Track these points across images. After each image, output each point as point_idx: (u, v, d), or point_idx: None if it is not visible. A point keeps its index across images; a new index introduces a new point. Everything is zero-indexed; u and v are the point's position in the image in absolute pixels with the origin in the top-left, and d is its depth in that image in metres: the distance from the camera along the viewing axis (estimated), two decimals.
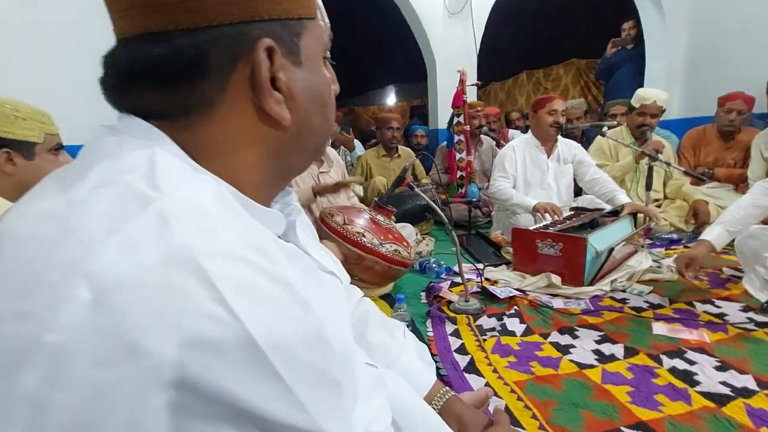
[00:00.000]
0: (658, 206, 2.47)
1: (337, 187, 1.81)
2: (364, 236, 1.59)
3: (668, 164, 2.03)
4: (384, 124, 3.00)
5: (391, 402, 0.59)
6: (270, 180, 0.43)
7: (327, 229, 1.67)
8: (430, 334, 1.41)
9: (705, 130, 2.82)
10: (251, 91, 0.37)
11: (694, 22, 4.05)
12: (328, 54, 0.47)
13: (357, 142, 3.76)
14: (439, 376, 1.15)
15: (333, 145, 3.47)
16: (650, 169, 1.97)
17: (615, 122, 2.51)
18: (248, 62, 0.36)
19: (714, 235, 1.47)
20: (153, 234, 0.26)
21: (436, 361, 1.22)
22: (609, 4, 4.94)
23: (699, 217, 2.25)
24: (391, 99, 14.11)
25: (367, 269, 1.62)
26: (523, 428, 0.93)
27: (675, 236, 2.23)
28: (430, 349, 1.30)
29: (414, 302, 1.70)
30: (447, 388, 0.71)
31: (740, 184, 2.53)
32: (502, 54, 8.22)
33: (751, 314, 1.38)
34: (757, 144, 2.37)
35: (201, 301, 0.24)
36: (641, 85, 4.08)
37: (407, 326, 1.24)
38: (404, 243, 1.69)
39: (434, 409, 0.67)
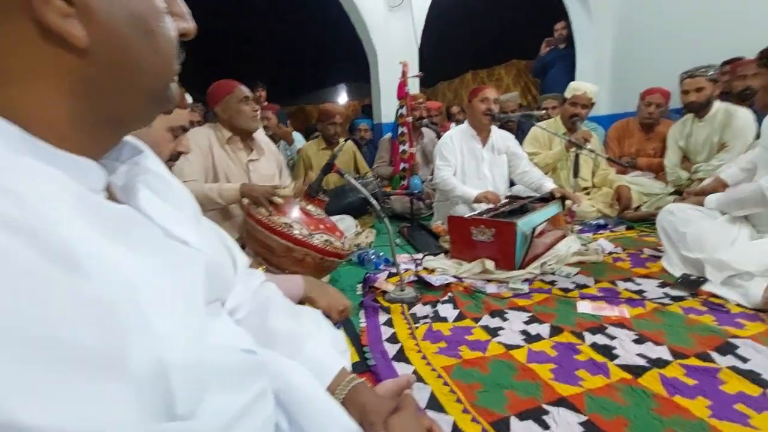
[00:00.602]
0: (587, 194, 2.61)
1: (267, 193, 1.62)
2: (291, 227, 1.50)
3: (593, 152, 2.12)
4: (327, 118, 2.89)
5: (283, 391, 0.54)
6: (82, 123, 0.34)
7: (252, 220, 1.56)
8: (363, 324, 1.35)
9: (628, 123, 3.01)
10: None
11: (620, 23, 4.34)
12: None
13: (297, 135, 3.63)
14: (368, 366, 1.10)
15: (272, 139, 3.32)
16: (577, 157, 2.05)
17: (543, 111, 2.61)
18: None
19: (726, 174, 1.71)
20: None
21: (365, 352, 1.17)
22: (542, 5, 5.18)
23: (622, 201, 2.40)
24: (342, 98, 14.08)
25: (298, 262, 1.53)
26: (447, 413, 0.89)
27: (602, 221, 2.34)
28: (360, 340, 1.24)
29: (351, 294, 1.64)
30: (354, 375, 0.66)
31: (660, 172, 2.71)
32: (449, 55, 8.46)
33: (667, 290, 1.45)
34: (672, 134, 2.54)
35: None
36: None
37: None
38: (337, 233, 1.62)
39: (338, 398, 0.62)
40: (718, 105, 2.30)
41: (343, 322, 1.38)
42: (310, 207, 1.61)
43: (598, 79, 4.45)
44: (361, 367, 1.10)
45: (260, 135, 1.99)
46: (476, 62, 7.88)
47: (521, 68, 7.14)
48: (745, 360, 1.01)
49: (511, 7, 7.70)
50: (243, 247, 1.90)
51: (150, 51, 0.36)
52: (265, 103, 3.56)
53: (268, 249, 1.55)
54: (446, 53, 8.46)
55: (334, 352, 0.70)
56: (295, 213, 1.57)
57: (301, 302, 1.07)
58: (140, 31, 0.34)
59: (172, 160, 1.08)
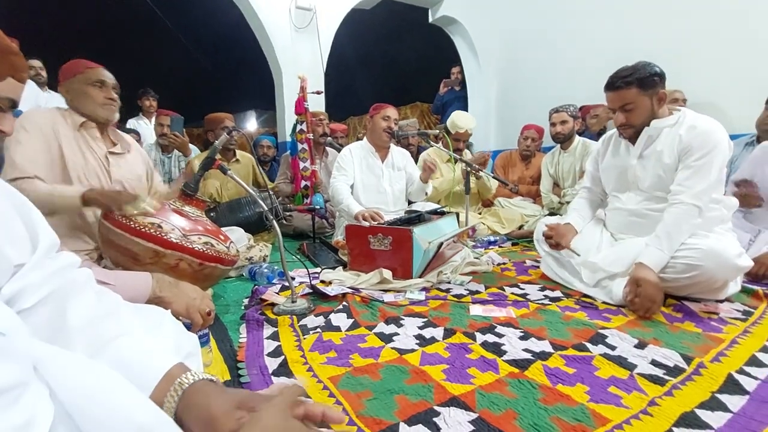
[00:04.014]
0: (479, 213, 2.79)
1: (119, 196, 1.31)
2: (161, 227, 1.26)
3: (480, 170, 2.29)
4: (216, 125, 2.66)
5: (65, 394, 0.38)
6: None
7: (108, 222, 1.28)
8: (243, 340, 1.17)
9: (511, 155, 3.36)
10: None
11: (502, 71, 4.94)
12: None
13: (194, 147, 3.30)
14: (240, 384, 0.93)
15: (166, 149, 2.96)
16: (468, 175, 2.18)
17: (438, 131, 2.77)
18: None
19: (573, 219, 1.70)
20: None
21: (239, 368, 0.99)
22: (441, 52, 5.71)
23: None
24: (251, 124, 13.63)
25: (171, 269, 1.27)
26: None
27: (492, 238, 2.49)
28: (236, 356, 1.06)
29: (236, 309, 1.44)
30: (190, 373, 0.51)
31: (537, 197, 3.04)
32: (359, 91, 8.82)
33: (547, 292, 1.56)
34: (545, 163, 2.89)
35: None
36: None
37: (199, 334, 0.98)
38: (221, 236, 1.42)
39: (170, 406, 0.48)
40: (578, 139, 2.68)
41: (218, 338, 1.18)
42: (186, 208, 1.39)
43: (487, 118, 4.97)
44: (232, 385, 0.93)
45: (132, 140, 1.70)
46: (384, 101, 8.24)
47: (425, 110, 7.70)
48: (613, 348, 1.09)
49: (413, 50, 8.35)
50: (100, 257, 1.56)
51: None
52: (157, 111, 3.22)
53: (132, 256, 1.27)
54: (356, 89, 8.83)
55: (164, 353, 0.54)
56: (166, 213, 1.34)
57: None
58: None
59: None
